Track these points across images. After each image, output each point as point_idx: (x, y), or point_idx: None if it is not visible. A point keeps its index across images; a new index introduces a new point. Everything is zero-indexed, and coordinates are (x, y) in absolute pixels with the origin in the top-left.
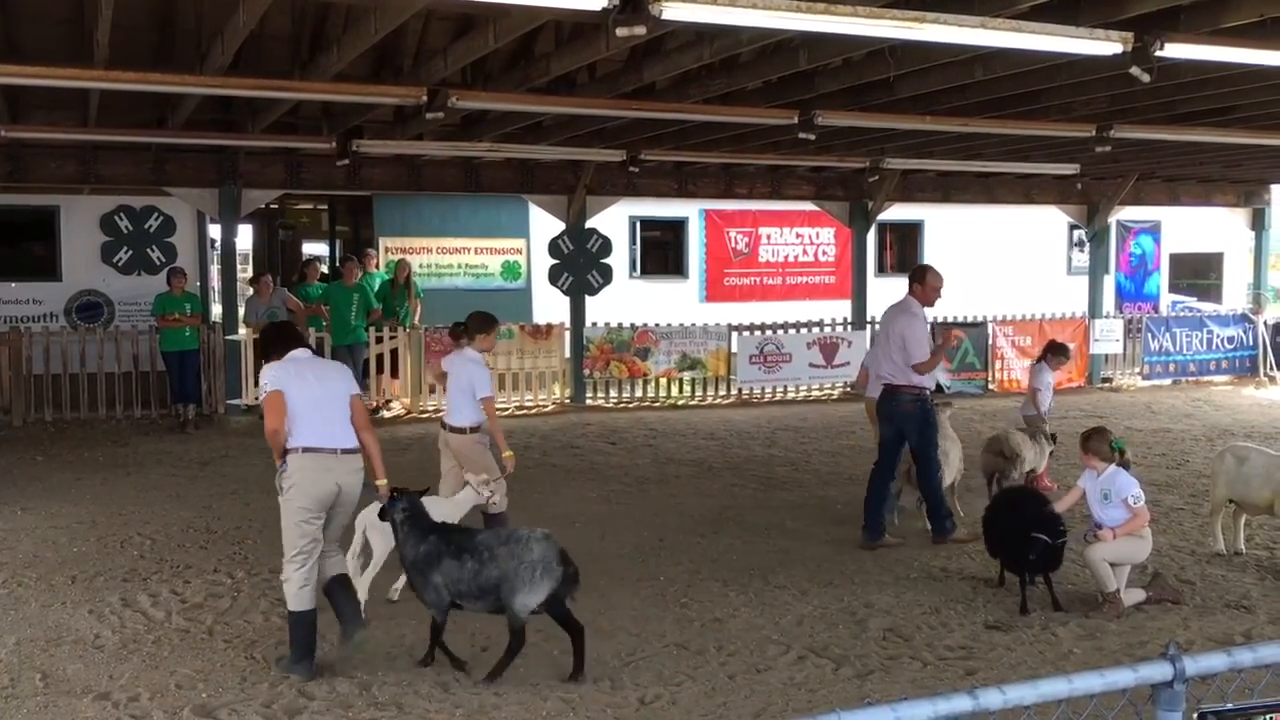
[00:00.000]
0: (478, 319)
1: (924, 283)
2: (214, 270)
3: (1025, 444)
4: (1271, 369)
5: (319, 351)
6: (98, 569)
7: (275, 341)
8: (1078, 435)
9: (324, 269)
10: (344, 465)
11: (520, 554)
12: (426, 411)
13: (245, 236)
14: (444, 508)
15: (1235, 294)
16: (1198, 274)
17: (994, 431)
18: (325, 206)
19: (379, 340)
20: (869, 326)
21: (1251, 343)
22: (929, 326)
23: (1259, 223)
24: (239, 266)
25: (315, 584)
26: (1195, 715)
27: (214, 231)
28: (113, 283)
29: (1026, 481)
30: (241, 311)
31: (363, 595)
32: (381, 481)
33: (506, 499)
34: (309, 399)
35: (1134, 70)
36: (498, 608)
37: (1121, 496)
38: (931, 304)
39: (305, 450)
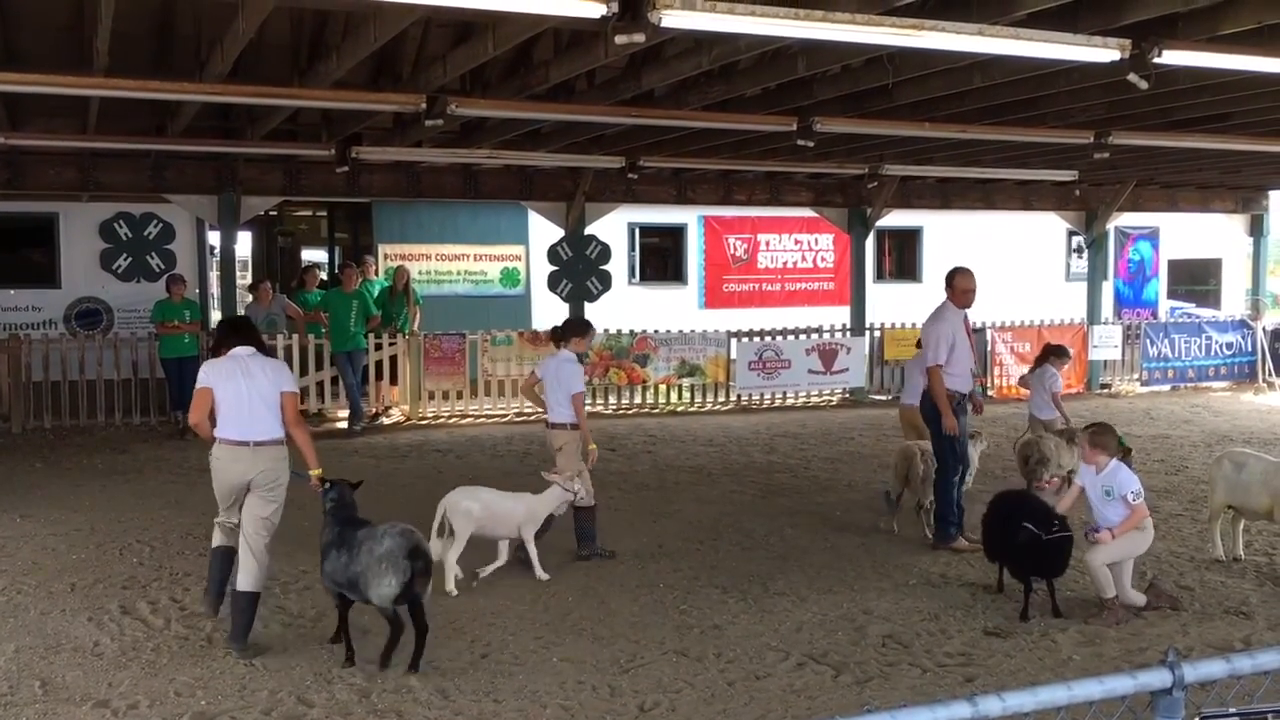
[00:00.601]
0: (573, 324)
1: (953, 285)
2: (213, 277)
3: (1062, 448)
4: (1270, 375)
5: (322, 354)
6: (97, 576)
7: (224, 337)
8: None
9: (323, 275)
10: (257, 456)
11: (372, 548)
12: (425, 418)
13: (244, 243)
14: (516, 504)
15: (1234, 300)
16: (1196, 280)
17: (1023, 438)
18: (324, 213)
19: (378, 347)
20: (867, 333)
21: (1250, 349)
22: (966, 329)
23: (1257, 229)
24: (238, 273)
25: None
26: (1196, 719)
27: (213, 238)
28: (112, 289)
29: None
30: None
31: (449, 574)
32: (314, 471)
33: (593, 491)
34: (232, 395)
35: (1132, 77)
36: (365, 599)
37: (1122, 493)
38: (964, 306)
39: (220, 441)
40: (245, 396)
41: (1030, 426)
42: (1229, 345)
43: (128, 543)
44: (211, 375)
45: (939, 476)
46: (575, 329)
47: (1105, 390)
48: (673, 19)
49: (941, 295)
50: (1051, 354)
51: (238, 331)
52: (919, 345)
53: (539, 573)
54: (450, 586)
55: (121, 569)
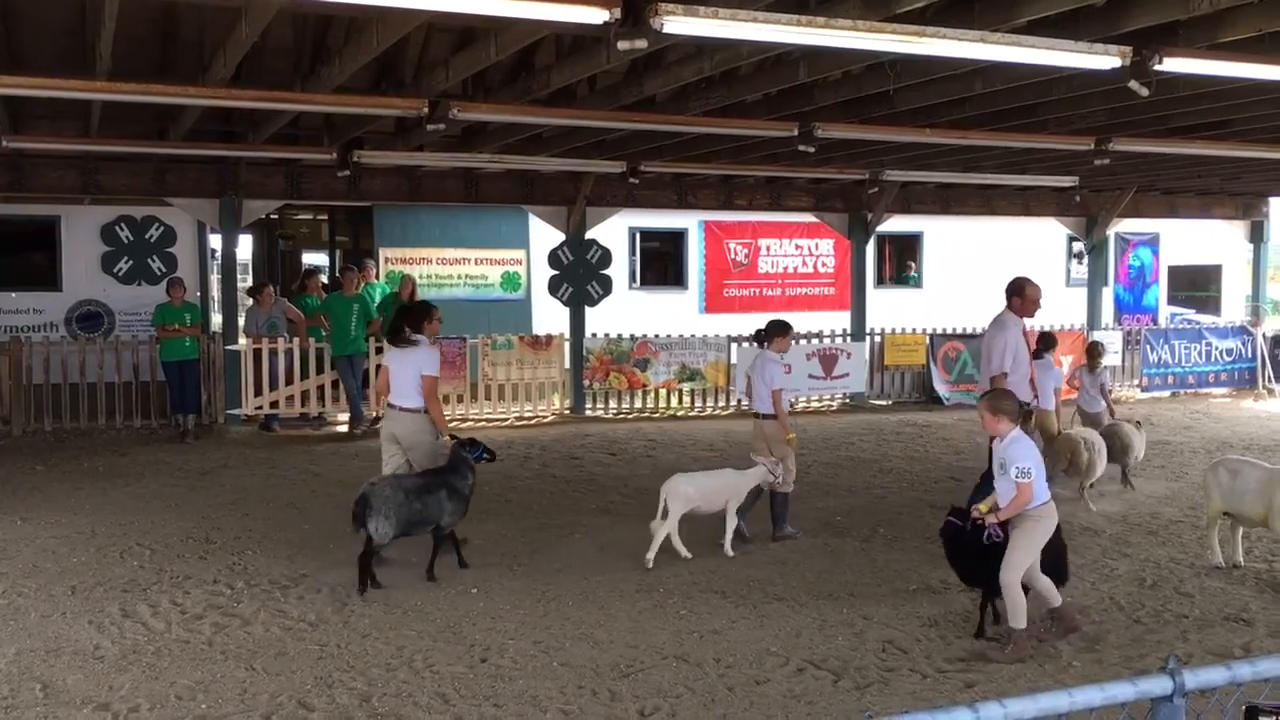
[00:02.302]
0: (774, 325)
1: (1023, 295)
2: (214, 280)
3: (1134, 434)
4: (1270, 381)
5: (323, 358)
6: (97, 579)
7: (398, 325)
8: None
9: (324, 279)
10: (399, 418)
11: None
12: None
13: (245, 247)
14: (724, 483)
15: (1234, 306)
16: (1196, 286)
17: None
18: (325, 217)
19: (379, 351)
20: (868, 338)
21: (1250, 355)
22: (1022, 338)
23: (1257, 235)
24: (239, 277)
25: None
26: (1244, 708)
27: (214, 242)
28: (113, 293)
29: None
30: (242, 322)
31: (652, 550)
32: (445, 437)
33: (794, 476)
34: (394, 372)
35: (1132, 84)
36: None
37: (1012, 466)
38: (1030, 315)
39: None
40: (398, 373)
41: (1082, 420)
42: (1229, 351)
43: (128, 546)
44: (387, 355)
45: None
46: (775, 330)
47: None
48: (675, 25)
49: (942, 300)
50: (1043, 347)
51: (403, 321)
52: (1039, 351)
53: (727, 548)
54: (649, 557)
55: (122, 572)
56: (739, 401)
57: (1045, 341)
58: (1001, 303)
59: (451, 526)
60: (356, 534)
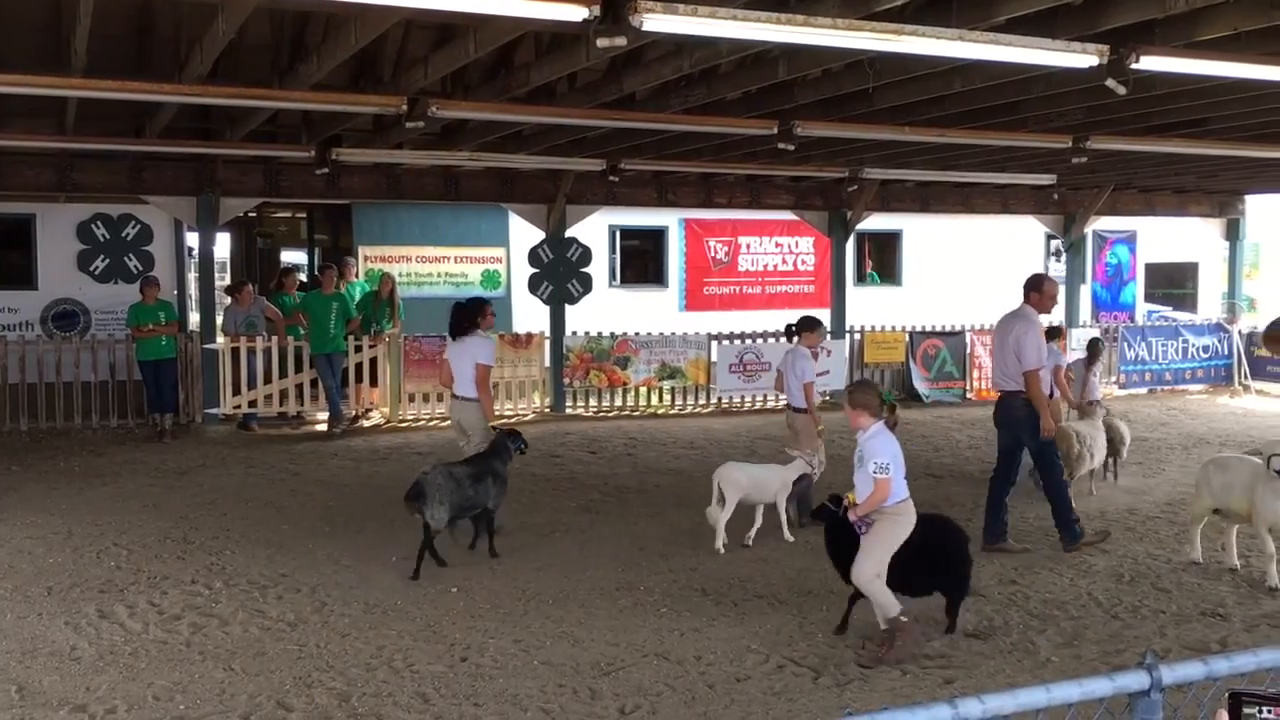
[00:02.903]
0: (806, 321)
1: (1041, 290)
2: (191, 278)
3: (1123, 427)
4: (1246, 378)
5: (302, 356)
6: (74, 580)
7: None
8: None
9: (302, 277)
10: (461, 406)
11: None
12: (405, 421)
13: (223, 244)
14: (773, 474)
15: (1210, 304)
16: (1173, 283)
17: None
18: (304, 215)
19: (358, 349)
20: (848, 336)
21: (1227, 352)
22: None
23: (1233, 233)
24: (217, 275)
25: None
26: (1227, 694)
27: (192, 240)
28: (89, 291)
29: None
30: (220, 320)
31: (718, 537)
32: (492, 424)
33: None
34: (454, 364)
35: (1110, 82)
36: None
37: (869, 460)
38: (1048, 310)
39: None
40: (455, 365)
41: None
42: (1205, 348)
43: (105, 546)
44: (448, 349)
45: (1049, 479)
46: (806, 326)
47: None
48: (654, 23)
49: (921, 298)
50: (1093, 349)
51: (463, 316)
52: (1091, 358)
53: (786, 534)
54: (719, 545)
55: (99, 573)
56: (719, 399)
57: (1051, 333)
58: (979, 299)
59: (496, 508)
60: (411, 518)
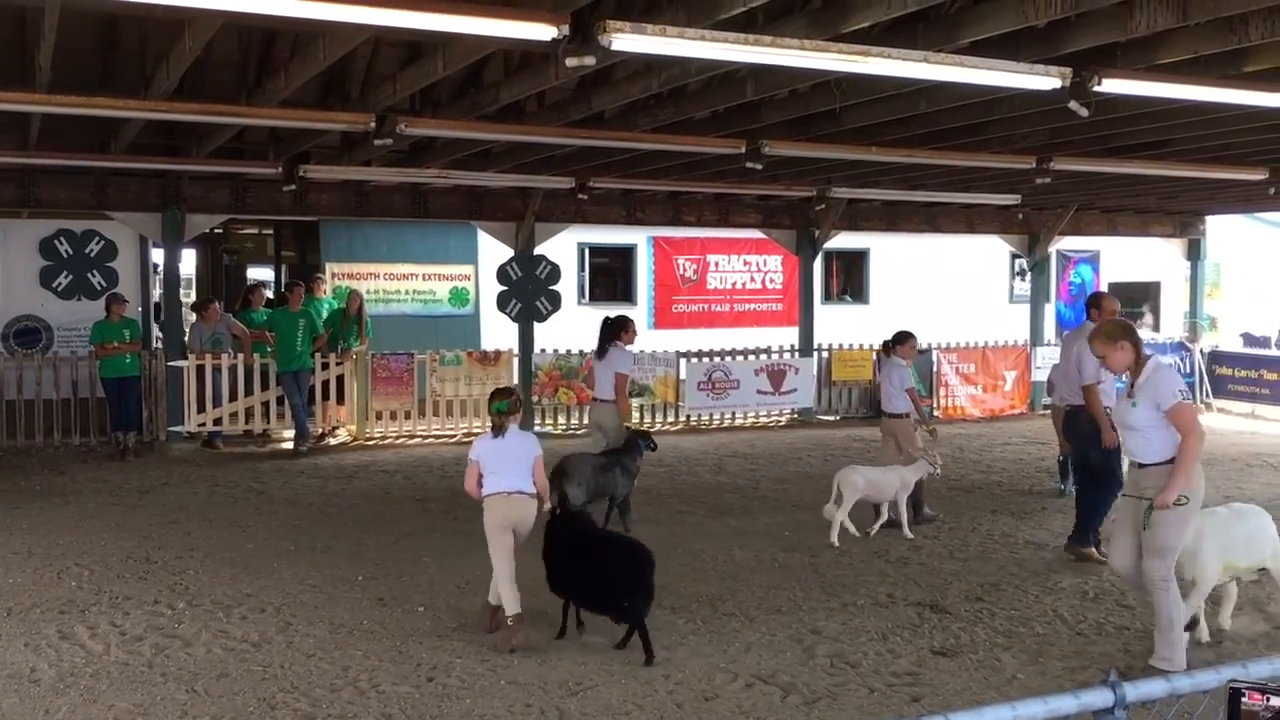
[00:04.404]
0: (900, 335)
1: (1100, 307)
2: (156, 295)
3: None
4: (1208, 396)
5: (268, 374)
6: (34, 600)
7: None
8: (1016, 460)
9: (268, 294)
10: (600, 408)
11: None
12: (373, 439)
13: (189, 261)
14: (891, 475)
15: (1172, 322)
16: (1135, 302)
17: None
18: (271, 231)
19: (325, 366)
20: (815, 353)
21: (1188, 370)
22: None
23: (1194, 253)
24: (183, 291)
25: None
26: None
27: (157, 256)
28: (51, 308)
29: None
30: (186, 337)
31: (834, 530)
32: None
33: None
34: (597, 372)
35: (1072, 104)
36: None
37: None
38: None
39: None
40: (600, 373)
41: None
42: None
43: (66, 566)
44: (592, 359)
45: (1097, 491)
46: (901, 339)
47: (1048, 411)
48: (623, 42)
49: (888, 316)
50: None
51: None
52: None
53: (906, 531)
54: (833, 538)
55: (60, 593)
56: (687, 417)
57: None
58: (945, 318)
59: (623, 497)
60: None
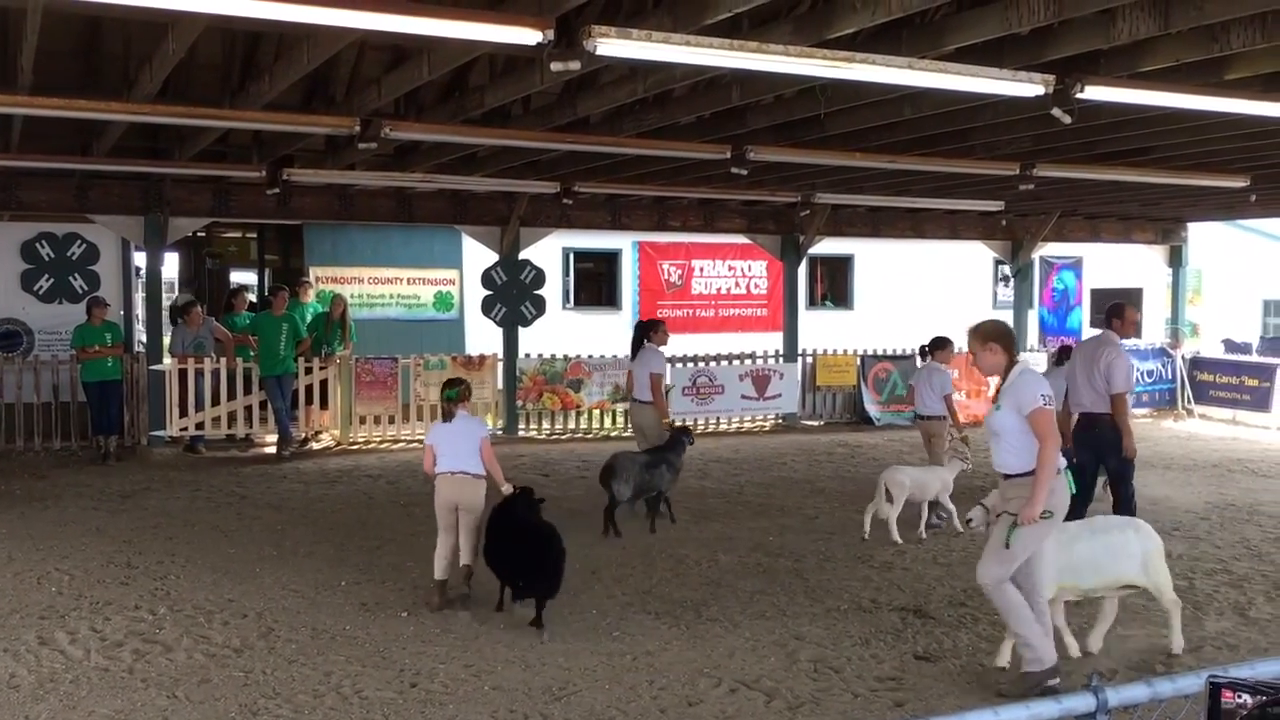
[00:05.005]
0: (937, 341)
1: (1123, 317)
2: (138, 299)
3: None
4: (1189, 402)
5: (251, 378)
6: (13, 606)
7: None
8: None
9: (251, 298)
10: (638, 409)
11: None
12: (356, 443)
13: (171, 265)
14: (933, 475)
15: (1154, 329)
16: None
17: None
18: (254, 235)
19: (308, 371)
20: (800, 359)
21: (1170, 376)
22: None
23: (1176, 260)
24: (165, 295)
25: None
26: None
27: (139, 259)
28: (33, 311)
29: None
30: (167, 341)
31: (892, 529)
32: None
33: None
34: (634, 374)
35: (1055, 111)
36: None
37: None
38: (1130, 336)
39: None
40: (637, 374)
41: None
42: (1150, 373)
43: (46, 571)
44: (631, 362)
45: (1121, 495)
46: (939, 345)
47: None
48: (608, 47)
49: (872, 322)
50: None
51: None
52: (1059, 360)
53: (957, 524)
54: (895, 537)
55: (39, 598)
56: (672, 422)
57: (1065, 353)
58: (929, 323)
59: (669, 492)
60: (603, 492)
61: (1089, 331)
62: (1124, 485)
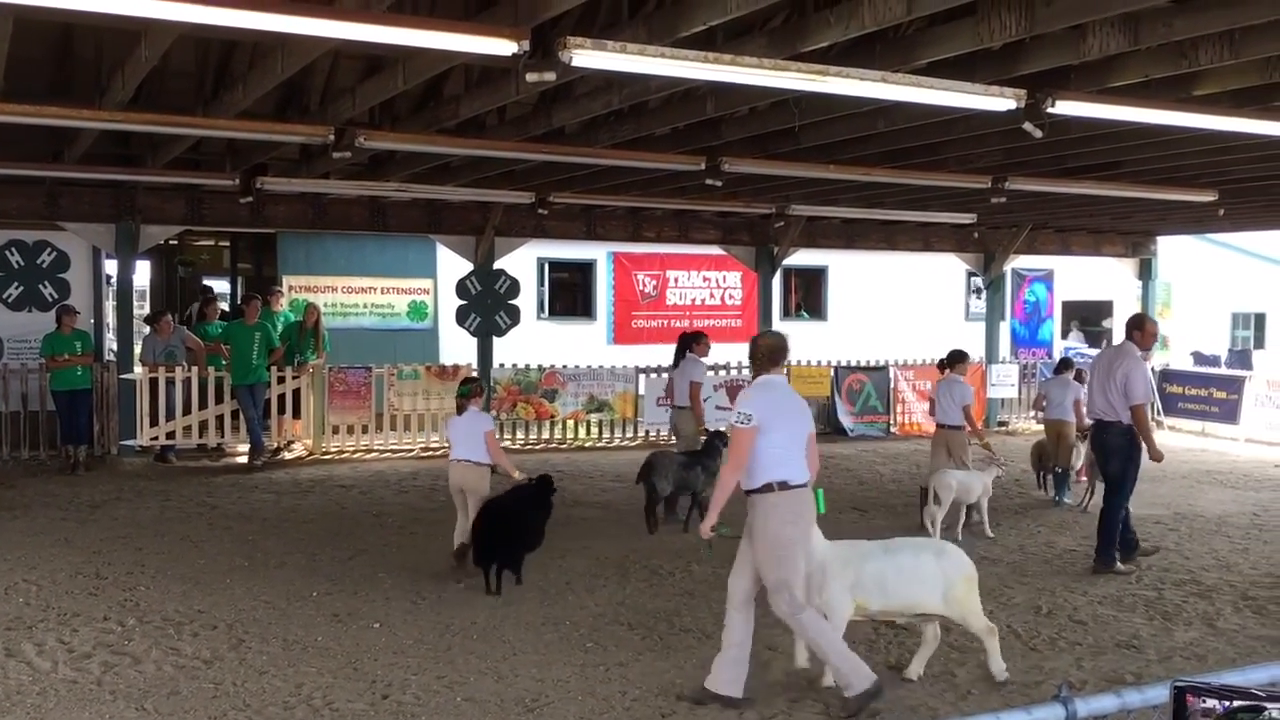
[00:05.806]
0: (954, 355)
1: (1143, 329)
2: (109, 307)
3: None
4: (1158, 414)
5: (223, 387)
6: None
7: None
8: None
9: (224, 307)
10: (677, 414)
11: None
12: (329, 453)
13: (143, 273)
14: (975, 479)
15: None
16: (1089, 321)
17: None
18: (227, 243)
19: (281, 380)
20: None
21: None
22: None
23: (1146, 272)
24: (136, 303)
25: None
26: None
27: (110, 267)
28: (2, 319)
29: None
30: (138, 350)
31: (935, 531)
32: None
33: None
34: (675, 381)
35: (1027, 125)
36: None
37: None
38: (1149, 347)
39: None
40: (677, 382)
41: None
42: None
43: (14, 582)
44: (672, 370)
45: (1112, 504)
46: (957, 359)
47: (1003, 428)
48: (583, 59)
49: (846, 333)
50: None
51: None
52: (1058, 371)
53: (988, 530)
54: (936, 535)
55: (6, 609)
56: (646, 433)
57: (1065, 364)
58: (902, 335)
59: (704, 493)
60: (637, 486)
61: (1060, 344)
62: (1117, 496)
